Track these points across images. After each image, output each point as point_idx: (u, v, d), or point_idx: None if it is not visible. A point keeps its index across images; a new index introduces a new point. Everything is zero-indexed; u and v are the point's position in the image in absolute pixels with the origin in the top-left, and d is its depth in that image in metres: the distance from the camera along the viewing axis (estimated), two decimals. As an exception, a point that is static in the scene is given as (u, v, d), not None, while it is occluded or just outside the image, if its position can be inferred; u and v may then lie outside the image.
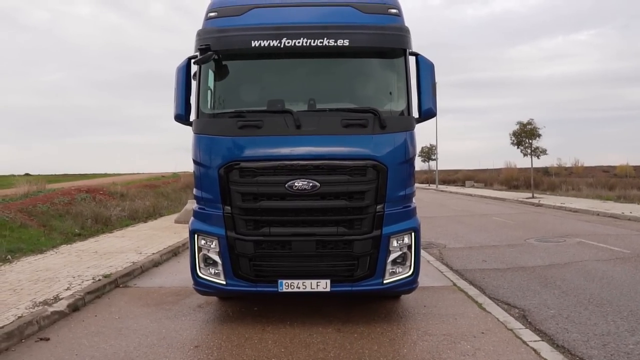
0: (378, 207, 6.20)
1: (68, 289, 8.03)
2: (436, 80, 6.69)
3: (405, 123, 6.40)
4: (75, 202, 17.75)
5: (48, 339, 6.18)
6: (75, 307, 7.35)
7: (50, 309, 6.91)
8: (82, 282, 8.49)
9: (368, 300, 7.53)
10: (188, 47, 6.78)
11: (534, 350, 5.61)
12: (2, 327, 6.10)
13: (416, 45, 6.66)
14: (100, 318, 7.05)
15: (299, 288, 6.19)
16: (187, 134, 6.58)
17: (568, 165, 66.37)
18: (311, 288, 6.19)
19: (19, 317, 6.48)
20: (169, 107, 6.65)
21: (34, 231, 13.34)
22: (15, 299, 7.44)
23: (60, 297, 7.53)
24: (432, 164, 67.84)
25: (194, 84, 6.58)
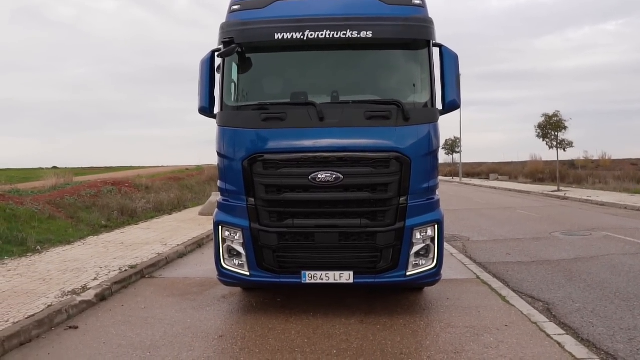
0: (401, 199, 6.19)
1: (95, 279, 8.20)
2: (460, 72, 6.65)
3: (428, 115, 6.37)
4: (102, 195, 18.06)
5: (77, 328, 6.33)
6: (102, 297, 7.50)
7: (79, 299, 7.07)
8: (109, 272, 8.65)
9: (391, 292, 7.54)
10: (212, 41, 6.92)
11: (558, 343, 5.57)
12: (33, 315, 6.26)
13: (440, 36, 6.62)
14: (127, 308, 7.18)
15: (322, 279, 6.23)
16: (211, 127, 6.65)
17: (595, 158, 65.03)
18: (334, 280, 6.22)
19: (49, 306, 6.64)
20: (193, 100, 6.73)
21: (62, 223, 13.62)
22: (45, 288, 7.62)
23: (88, 287, 7.69)
24: (456, 156, 67.31)
25: (217, 76, 6.63)
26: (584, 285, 8.22)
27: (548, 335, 5.81)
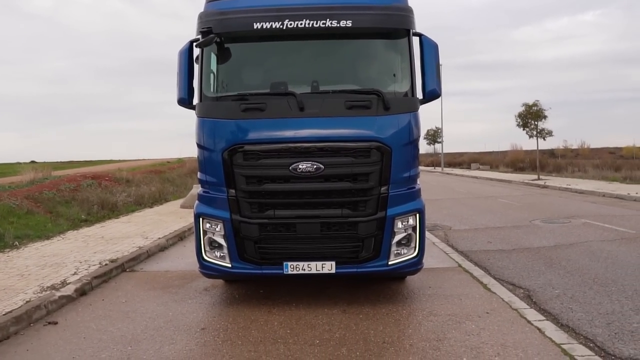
0: (382, 188, 6.19)
1: (75, 273, 8.09)
2: (440, 62, 6.65)
3: (409, 104, 6.37)
4: (81, 189, 17.83)
5: (56, 323, 6.24)
6: (82, 292, 7.41)
7: (58, 294, 6.97)
8: (89, 267, 8.55)
9: (373, 281, 7.56)
10: (191, 33, 6.88)
11: (539, 329, 5.63)
12: (11, 311, 6.16)
13: (419, 28, 6.61)
14: (107, 302, 7.11)
15: (304, 270, 6.22)
16: (191, 119, 6.58)
17: (574, 147, 66.11)
18: (316, 270, 6.21)
19: (27, 302, 6.54)
20: (173, 93, 6.64)
21: (40, 217, 13.42)
22: (23, 284, 7.50)
23: (68, 281, 7.59)
24: (438, 146, 67.86)
25: (196, 67, 6.55)
26: (564, 271, 8.33)
27: (528, 322, 5.88)
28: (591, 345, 5.34)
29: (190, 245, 10.36)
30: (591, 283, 7.58)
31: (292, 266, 6.22)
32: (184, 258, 9.82)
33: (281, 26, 6.09)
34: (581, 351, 5.06)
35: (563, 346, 5.15)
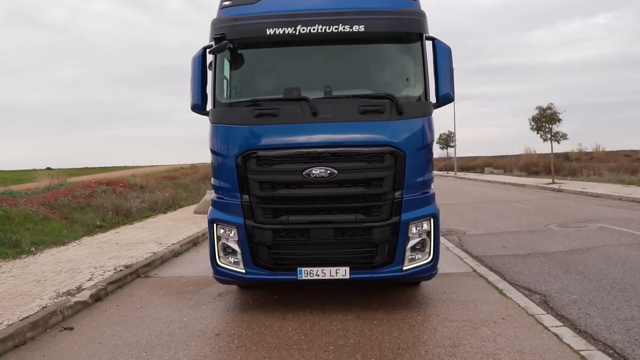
0: (396, 193, 6.16)
1: (90, 279, 8.14)
2: (453, 65, 6.61)
3: (422, 108, 6.34)
4: (96, 195, 17.97)
5: (72, 329, 6.28)
6: (97, 297, 7.45)
7: (74, 299, 7.02)
8: (104, 272, 8.60)
9: (387, 287, 7.53)
10: (204, 41, 6.95)
11: (556, 335, 5.56)
12: (27, 317, 6.21)
13: (431, 33, 6.57)
14: (122, 308, 7.14)
15: (318, 276, 6.20)
16: (204, 125, 6.60)
17: (589, 150, 65.19)
18: (330, 275, 6.19)
19: (44, 307, 6.59)
20: (187, 99, 6.67)
21: (56, 224, 13.53)
22: (40, 289, 7.56)
23: (83, 287, 7.63)
24: (451, 150, 67.56)
25: (209, 73, 6.58)
26: (580, 276, 8.22)
27: (545, 328, 5.81)
28: (610, 352, 5.25)
29: (203, 250, 10.39)
30: (609, 288, 7.48)
31: (306, 272, 6.20)
32: (198, 264, 9.84)
33: (294, 31, 6.10)
34: (600, 358, 5.00)
35: (582, 353, 5.08)
